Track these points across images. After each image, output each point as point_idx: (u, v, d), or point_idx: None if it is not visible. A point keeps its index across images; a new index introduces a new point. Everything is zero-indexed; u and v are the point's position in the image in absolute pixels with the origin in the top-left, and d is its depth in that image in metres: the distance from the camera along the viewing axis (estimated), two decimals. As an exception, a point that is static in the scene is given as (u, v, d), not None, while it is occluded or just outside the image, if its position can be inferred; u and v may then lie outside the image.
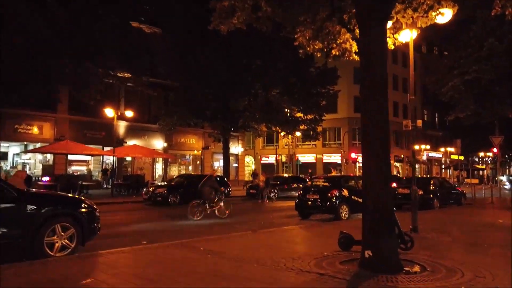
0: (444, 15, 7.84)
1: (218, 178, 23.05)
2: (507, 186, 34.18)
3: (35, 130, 25.33)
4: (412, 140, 9.72)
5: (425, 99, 53.95)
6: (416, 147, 50.21)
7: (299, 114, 29.27)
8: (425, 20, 7.84)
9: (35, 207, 6.55)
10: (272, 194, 21.23)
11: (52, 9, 15.04)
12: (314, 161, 48.73)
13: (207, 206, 12.90)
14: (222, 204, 13.27)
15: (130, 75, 20.09)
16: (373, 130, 5.79)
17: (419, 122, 9.44)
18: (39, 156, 26.58)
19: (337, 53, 9.20)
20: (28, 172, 26.12)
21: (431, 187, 16.94)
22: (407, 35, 9.24)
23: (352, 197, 13.39)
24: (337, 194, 12.86)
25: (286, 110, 27.86)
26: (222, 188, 19.61)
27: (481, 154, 48.37)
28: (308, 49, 9.13)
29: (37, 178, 24.72)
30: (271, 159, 47.50)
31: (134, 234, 9.71)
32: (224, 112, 26.12)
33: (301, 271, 5.37)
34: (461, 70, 14.74)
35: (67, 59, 15.71)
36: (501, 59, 13.92)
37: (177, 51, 25.52)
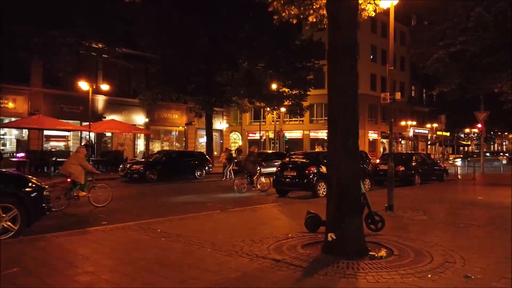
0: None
1: (196, 154, 22.58)
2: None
3: (9, 104, 24.19)
4: (390, 113, 9.17)
5: (413, 74, 53.45)
6: (403, 123, 50.20)
7: (284, 89, 28.54)
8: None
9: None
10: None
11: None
12: (301, 137, 48.32)
13: (248, 180, 13.78)
14: (262, 178, 14.12)
15: (103, 45, 18.95)
16: (340, 98, 5.22)
17: (398, 95, 8.90)
18: (15, 131, 25.58)
19: (315, 20, 8.52)
20: (3, 147, 25.25)
21: (413, 163, 16.64)
22: (388, 1, 8.58)
23: (331, 174, 13.04)
24: (315, 171, 12.42)
25: (270, 84, 27.08)
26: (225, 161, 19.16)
27: (467, 130, 48.47)
28: (283, 14, 8.44)
29: (11, 154, 23.84)
30: (258, 135, 46.95)
31: (99, 214, 9.17)
32: (206, 86, 25.26)
33: (257, 256, 4.89)
34: (446, 42, 14.13)
35: (31, 25, 14.58)
36: (487, 30, 13.33)
37: (155, 20, 24.29)
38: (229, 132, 42.00)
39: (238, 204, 10.50)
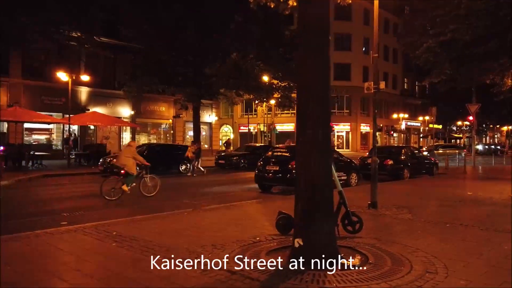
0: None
1: (182, 147, 21.81)
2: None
3: (-12, 95, 23.30)
4: (375, 104, 8.56)
5: (406, 66, 52.94)
6: (395, 115, 49.79)
7: (274, 81, 27.81)
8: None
9: None
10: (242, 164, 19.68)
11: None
12: (293, 130, 47.68)
13: None
14: None
15: (80, 34, 18.07)
16: (310, 84, 4.60)
17: (382, 84, 8.28)
18: (-5, 124, 24.69)
19: (295, 4, 7.92)
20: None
21: (402, 157, 16.12)
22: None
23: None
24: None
25: (259, 76, 26.35)
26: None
27: (459, 123, 48.19)
28: (260, -4, 7.87)
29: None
30: (250, 128, 46.25)
31: (63, 212, 8.49)
32: (193, 78, 24.46)
33: (211, 267, 4.28)
34: (436, 30, 13.53)
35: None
36: (479, 18, 12.74)
37: (140, 10, 23.38)
38: (218, 125, 41.26)
39: (216, 201, 9.88)
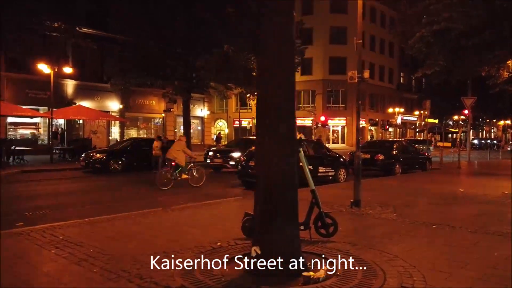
0: None
1: (170, 142, 21.03)
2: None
3: (-29, 89, 22.55)
4: (358, 95, 7.93)
5: (402, 60, 52.27)
6: (390, 110, 49.19)
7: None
8: None
9: None
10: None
11: None
12: (288, 124, 47.08)
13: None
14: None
15: (60, 24, 17.28)
16: (272, 68, 3.98)
17: (367, 73, 7.65)
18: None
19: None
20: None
21: (393, 152, 15.53)
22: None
23: (301, 163, 11.87)
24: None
25: (248, 68, 25.63)
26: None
27: (455, 117, 47.67)
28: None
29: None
30: (244, 123, 45.60)
31: (27, 211, 7.88)
32: (182, 71, 23.74)
33: (148, 282, 3.67)
34: (430, 19, 12.88)
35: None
36: (473, 7, 12.11)
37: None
38: (211, 120, 40.62)
39: (195, 199, 9.16)
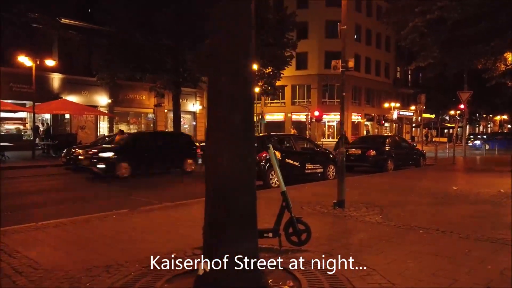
0: None
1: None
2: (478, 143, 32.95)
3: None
4: (342, 87, 7.31)
5: (398, 55, 51.62)
6: (386, 105, 48.61)
7: (256, 68, 26.39)
8: None
9: None
10: None
11: None
12: (283, 119, 46.52)
13: None
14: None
15: (38, 14, 16.56)
16: (225, 52, 3.35)
17: (351, 62, 7.03)
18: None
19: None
20: None
21: (386, 147, 14.95)
22: None
23: (286, 160, 11.34)
24: (267, 157, 10.63)
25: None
26: None
27: (452, 112, 47.14)
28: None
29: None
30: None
31: (5, 211, 7.25)
32: (171, 65, 23.01)
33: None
34: (423, 8, 12.24)
35: None
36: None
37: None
38: (204, 115, 39.85)
39: (176, 198, 8.43)
